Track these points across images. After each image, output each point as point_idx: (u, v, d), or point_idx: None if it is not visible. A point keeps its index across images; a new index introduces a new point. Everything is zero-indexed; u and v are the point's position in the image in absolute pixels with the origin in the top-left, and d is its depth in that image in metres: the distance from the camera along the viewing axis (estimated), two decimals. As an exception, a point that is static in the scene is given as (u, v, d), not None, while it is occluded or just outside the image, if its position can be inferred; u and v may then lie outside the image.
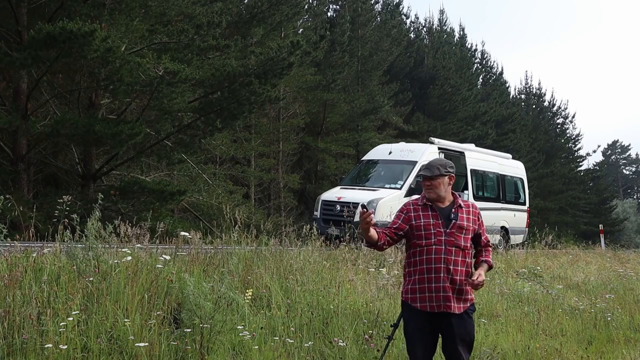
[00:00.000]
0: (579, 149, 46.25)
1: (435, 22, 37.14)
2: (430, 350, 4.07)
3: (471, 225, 4.10)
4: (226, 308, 5.30)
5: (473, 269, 4.13)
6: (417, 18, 63.13)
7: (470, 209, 4.17)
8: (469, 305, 4.03)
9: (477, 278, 3.97)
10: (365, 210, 3.87)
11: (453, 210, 4.09)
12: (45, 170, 14.80)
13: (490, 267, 4.19)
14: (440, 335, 4.09)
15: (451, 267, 3.97)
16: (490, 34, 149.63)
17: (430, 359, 4.09)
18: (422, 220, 4.07)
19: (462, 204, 4.15)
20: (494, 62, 53.52)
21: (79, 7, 11.85)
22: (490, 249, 4.26)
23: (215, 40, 13.69)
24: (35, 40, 10.50)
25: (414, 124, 28.89)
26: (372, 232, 4.03)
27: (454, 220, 4.04)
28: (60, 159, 14.66)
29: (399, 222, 4.15)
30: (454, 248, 4.00)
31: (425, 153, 13.62)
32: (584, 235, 33.66)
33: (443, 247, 3.98)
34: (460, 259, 4.00)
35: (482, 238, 4.19)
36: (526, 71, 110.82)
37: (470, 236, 4.09)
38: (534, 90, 44.46)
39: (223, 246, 7.38)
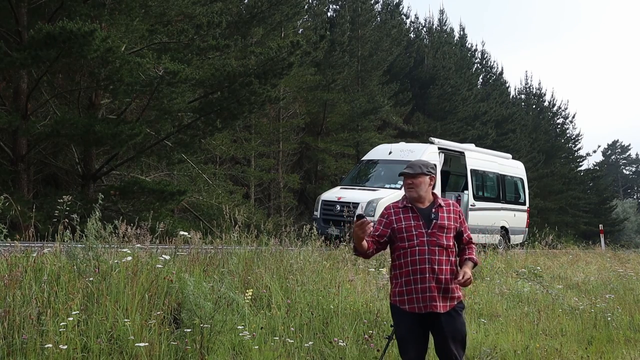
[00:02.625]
0: (579, 149, 46.35)
1: (435, 22, 37.21)
2: (423, 351, 4.09)
3: (452, 223, 4.11)
4: (226, 308, 5.30)
5: (458, 267, 4.12)
6: (417, 18, 63.26)
7: (451, 208, 4.17)
8: (456, 303, 4.04)
9: (463, 276, 3.97)
10: (364, 219, 3.81)
11: (433, 210, 4.10)
12: (45, 170, 14.80)
13: (475, 264, 4.16)
14: (432, 336, 4.10)
15: (436, 267, 3.98)
16: (490, 35, 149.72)
17: None
18: (404, 223, 4.08)
19: (442, 203, 4.16)
20: (494, 62, 53.56)
21: (79, 7, 11.85)
22: (474, 246, 4.25)
23: (215, 40, 13.69)
24: (35, 40, 10.50)
25: (414, 124, 28.88)
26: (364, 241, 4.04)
27: (434, 220, 4.05)
28: (60, 159, 14.65)
29: (381, 228, 4.15)
30: (437, 248, 4.01)
31: (425, 153, 13.62)
32: (584, 235, 33.70)
33: (426, 247, 4.00)
34: (444, 258, 4.02)
35: (465, 235, 4.18)
36: (526, 71, 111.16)
37: (452, 235, 4.11)
38: (534, 90, 44.53)
39: (223, 246, 7.38)
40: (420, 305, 3.98)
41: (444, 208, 4.13)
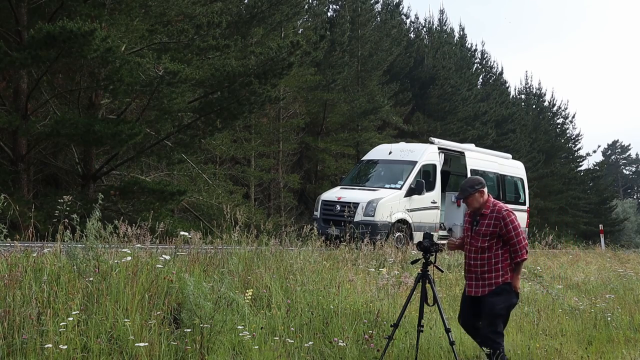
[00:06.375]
0: (579, 149, 46.34)
1: (435, 22, 37.22)
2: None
3: (490, 229, 5.04)
4: (226, 308, 5.29)
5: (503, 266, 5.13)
6: (417, 18, 63.37)
7: (494, 215, 5.06)
8: (493, 288, 5.05)
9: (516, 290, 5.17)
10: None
11: (477, 218, 5.14)
12: (45, 170, 14.79)
13: (522, 261, 5.17)
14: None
15: (472, 262, 5.23)
16: (490, 35, 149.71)
17: None
18: (466, 225, 5.31)
19: (486, 211, 5.10)
20: (494, 62, 53.59)
21: (79, 7, 11.85)
22: (520, 247, 5.05)
23: (215, 40, 13.68)
24: (35, 40, 10.49)
25: (414, 124, 28.87)
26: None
27: (475, 228, 5.13)
28: (60, 159, 14.65)
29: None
30: (473, 248, 5.20)
31: (425, 153, 13.62)
32: (584, 235, 33.64)
33: (468, 246, 5.27)
34: (479, 255, 5.12)
35: (511, 242, 5.05)
36: (526, 71, 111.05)
37: (488, 237, 5.04)
38: (534, 90, 44.49)
39: (223, 246, 7.38)
40: (466, 289, 5.22)
41: (486, 216, 5.06)
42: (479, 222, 5.07)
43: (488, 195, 5.17)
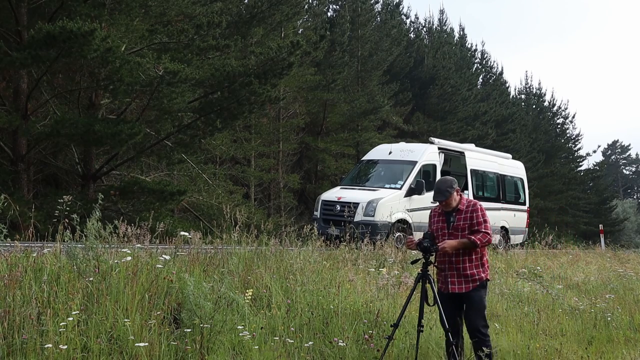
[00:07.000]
0: (579, 149, 46.33)
1: (435, 22, 37.23)
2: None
3: (467, 222, 5.17)
4: (226, 308, 5.30)
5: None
6: (417, 18, 63.47)
7: (469, 209, 5.23)
8: (478, 284, 5.17)
9: (441, 245, 5.14)
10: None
11: (453, 214, 5.24)
12: (45, 170, 14.78)
13: (472, 243, 5.12)
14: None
15: (453, 259, 5.24)
16: (490, 35, 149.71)
17: None
18: (437, 225, 5.36)
19: (461, 207, 5.25)
20: (494, 62, 53.61)
21: (79, 7, 11.85)
22: (484, 233, 5.13)
23: (215, 40, 13.69)
24: (35, 40, 10.49)
25: (414, 124, 28.87)
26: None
27: (452, 223, 5.22)
28: (60, 159, 14.64)
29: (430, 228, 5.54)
30: None
31: (425, 153, 13.62)
32: (584, 235, 33.66)
33: None
34: (459, 251, 5.18)
35: (476, 228, 5.15)
36: (526, 71, 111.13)
37: (467, 232, 5.14)
38: (534, 90, 44.49)
39: (223, 246, 7.38)
40: (448, 287, 5.20)
41: (462, 211, 5.22)
42: (456, 217, 5.21)
43: (460, 194, 5.36)
